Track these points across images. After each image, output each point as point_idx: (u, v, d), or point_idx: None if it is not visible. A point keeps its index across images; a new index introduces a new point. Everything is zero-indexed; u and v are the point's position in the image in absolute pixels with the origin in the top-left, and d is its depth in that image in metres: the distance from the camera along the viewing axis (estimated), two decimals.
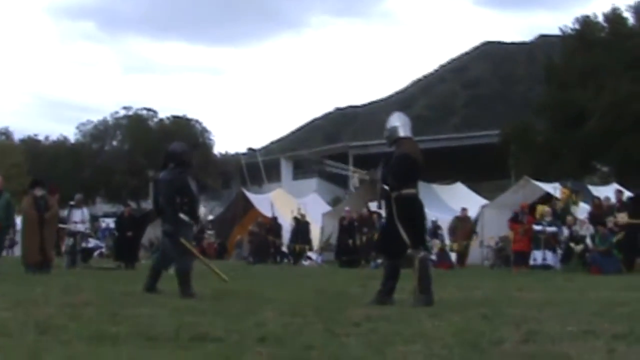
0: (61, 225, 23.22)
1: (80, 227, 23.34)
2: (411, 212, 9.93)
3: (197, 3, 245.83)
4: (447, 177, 40.33)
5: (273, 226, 32.80)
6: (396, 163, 10.05)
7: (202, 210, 11.89)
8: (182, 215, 11.18)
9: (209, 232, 40.11)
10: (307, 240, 31.32)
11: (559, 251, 24.26)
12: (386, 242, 10.38)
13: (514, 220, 25.40)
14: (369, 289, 11.80)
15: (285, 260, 31.86)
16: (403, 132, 10.29)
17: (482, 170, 49.89)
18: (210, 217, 43.61)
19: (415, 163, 10.14)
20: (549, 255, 24.02)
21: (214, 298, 10.40)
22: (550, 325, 7.38)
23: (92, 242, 24.54)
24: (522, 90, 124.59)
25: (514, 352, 5.98)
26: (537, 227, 24.36)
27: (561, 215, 24.96)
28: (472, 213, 30.13)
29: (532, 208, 26.09)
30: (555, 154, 39.39)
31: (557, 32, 48.58)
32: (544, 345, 6.24)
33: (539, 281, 16.54)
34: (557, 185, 27.20)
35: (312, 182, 62.36)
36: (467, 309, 9.15)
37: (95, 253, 24.17)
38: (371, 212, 29.50)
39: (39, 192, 18.75)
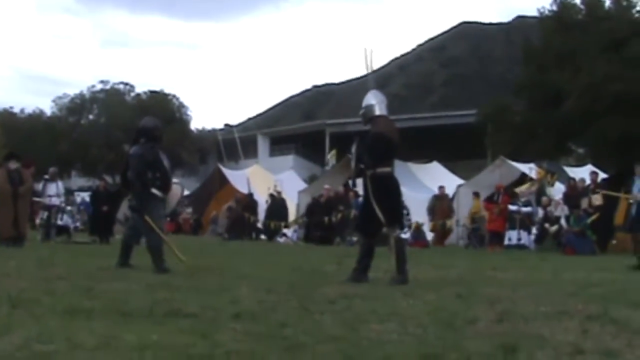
0: (36, 199, 23.10)
1: (55, 201, 23.22)
2: (386, 190, 9.93)
3: None
4: (424, 156, 40.43)
5: (249, 202, 32.77)
6: (371, 142, 10.04)
7: (175, 187, 11.82)
8: (154, 190, 11.16)
9: (187, 209, 40.13)
10: (283, 217, 31.31)
11: (534, 231, 24.40)
12: (363, 220, 10.38)
13: (490, 200, 25.52)
14: (344, 267, 11.82)
15: (261, 237, 31.84)
16: (379, 111, 10.27)
17: (458, 149, 50.09)
18: (187, 193, 43.59)
19: (391, 142, 10.13)
20: (524, 235, 24.16)
21: (188, 274, 10.37)
22: (524, 305, 7.42)
23: (65, 219, 24.32)
24: (499, 71, 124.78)
25: (488, 331, 5.99)
26: (512, 207, 24.48)
27: (536, 196, 25.10)
28: (448, 192, 30.23)
29: (508, 189, 26.18)
30: (532, 134, 39.42)
31: (535, 13, 48.53)
32: (518, 325, 6.27)
33: (513, 261, 16.63)
34: (532, 165, 27.30)
35: (289, 159, 62.37)
36: (441, 288, 9.18)
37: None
38: (347, 190, 29.56)
39: (13, 165, 18.61)
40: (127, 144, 12.31)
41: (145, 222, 11.08)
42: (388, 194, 9.95)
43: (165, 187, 11.39)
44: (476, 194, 27.97)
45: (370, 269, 10.14)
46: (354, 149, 10.39)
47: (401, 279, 9.72)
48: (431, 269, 12.92)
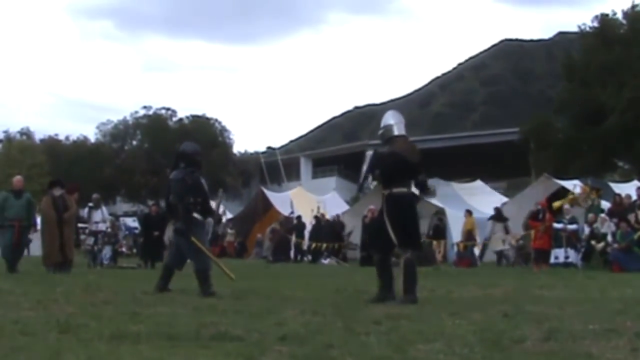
0: (81, 225, 23.30)
1: (102, 227, 23.43)
2: (401, 211, 9.92)
3: (215, 1, 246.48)
4: (467, 175, 40.25)
5: (295, 225, 32.77)
6: (385, 161, 10.10)
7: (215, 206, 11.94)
8: (195, 215, 11.23)
9: (229, 230, 40.22)
10: (329, 239, 31.16)
11: (581, 249, 24.11)
12: (376, 238, 10.42)
13: (534, 218, 25.29)
14: None
15: (305, 259, 31.82)
16: (397, 131, 10.24)
17: (501, 168, 49.77)
18: (230, 216, 43.71)
19: (407, 162, 10.08)
20: (571, 252, 23.86)
21: (234, 297, 10.39)
22: (572, 323, 7.34)
23: (106, 249, 24.42)
24: (541, 88, 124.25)
25: (536, 350, 5.94)
26: (557, 225, 24.22)
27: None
28: (492, 211, 30.04)
29: (548, 202, 25.92)
30: (576, 151, 39.21)
31: (576, 29, 48.32)
32: (566, 344, 6.20)
33: (560, 279, 16.44)
34: (577, 182, 27.05)
35: (331, 181, 62.33)
36: (487, 307, 9.11)
37: (104, 254, 24.03)
38: None
39: (57, 192, 18.81)
40: (169, 169, 12.50)
41: (191, 246, 11.13)
42: (402, 215, 9.92)
43: (206, 211, 11.44)
44: (469, 212, 28.31)
45: (394, 286, 10.10)
46: (365, 166, 10.43)
47: (409, 298, 9.68)
48: (476, 288, 12.82)
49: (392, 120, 10.33)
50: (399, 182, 9.97)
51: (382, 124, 10.42)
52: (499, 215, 28.62)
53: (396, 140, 10.19)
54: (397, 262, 10.10)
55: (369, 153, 10.46)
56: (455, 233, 28.53)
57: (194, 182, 11.35)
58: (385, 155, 10.09)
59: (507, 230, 28.57)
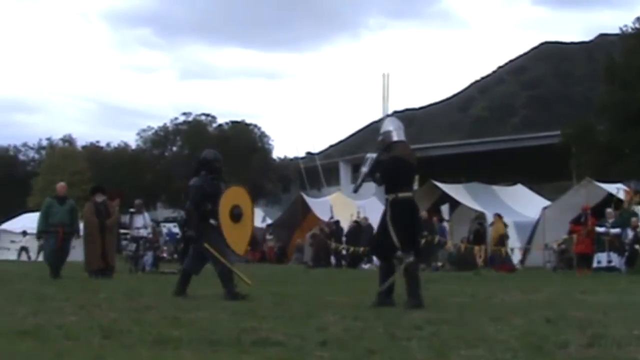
0: (123, 231, 23.47)
1: (143, 233, 23.57)
2: (405, 215, 9.99)
3: (252, 7, 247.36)
4: (507, 179, 40.01)
5: (335, 230, 32.74)
6: (387, 166, 10.15)
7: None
8: (212, 221, 11.35)
9: (268, 236, 40.31)
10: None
11: (625, 253, 23.84)
12: (378, 243, 10.45)
13: (576, 222, 25.09)
14: (429, 292, 11.73)
15: (343, 264, 31.76)
16: (397, 137, 10.33)
17: (542, 171, 49.39)
18: (269, 222, 43.77)
19: (409, 166, 10.23)
20: (614, 256, 23.61)
21: (275, 302, 10.41)
22: (616, 329, 7.26)
23: (148, 255, 24.48)
24: (582, 90, 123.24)
25: (579, 356, 5.89)
26: (600, 229, 23.99)
27: (625, 217, 24.52)
28: (533, 215, 29.86)
29: (593, 209, 25.68)
30: (618, 154, 38.79)
31: (617, 31, 47.89)
32: (610, 350, 6.14)
33: (603, 284, 16.31)
34: (620, 185, 26.80)
35: (371, 186, 62.14)
36: (529, 312, 9.05)
37: (146, 260, 24.09)
38: (431, 215, 29.46)
39: (99, 198, 19.01)
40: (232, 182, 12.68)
41: (208, 251, 11.29)
42: (406, 219, 9.99)
43: None
44: (499, 216, 28.26)
45: (394, 292, 10.11)
46: (365, 168, 10.50)
47: (415, 302, 9.66)
48: (518, 293, 12.74)
49: (392, 126, 10.45)
50: (404, 187, 10.10)
51: (381, 130, 10.55)
52: None
53: (396, 146, 10.28)
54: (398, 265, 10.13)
55: (370, 155, 10.56)
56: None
57: (213, 189, 11.44)
58: (388, 160, 10.16)
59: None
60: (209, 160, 11.86)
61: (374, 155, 10.49)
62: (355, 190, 12.21)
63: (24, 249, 39.51)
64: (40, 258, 26.12)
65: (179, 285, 11.66)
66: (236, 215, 11.47)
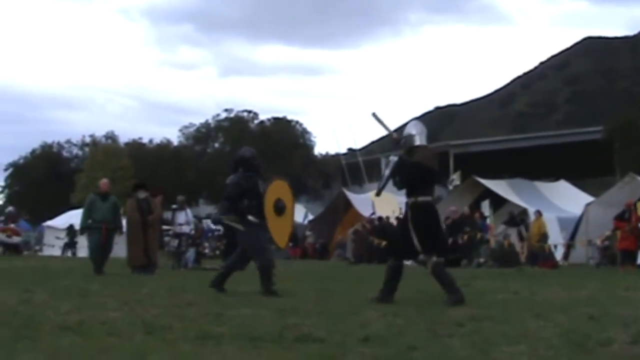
0: (165, 227, 23.61)
1: (186, 229, 23.68)
2: (426, 218, 10.05)
3: (293, 4, 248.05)
4: (550, 175, 39.75)
5: (378, 226, 32.67)
6: (408, 171, 10.21)
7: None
8: (250, 217, 11.38)
9: (308, 232, 40.38)
10: None
11: None
12: (398, 244, 10.48)
13: (620, 218, 24.82)
14: (471, 289, 11.70)
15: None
16: (419, 141, 10.39)
17: (586, 167, 49.00)
18: (311, 218, 43.83)
19: (430, 171, 10.29)
20: None
21: (317, 299, 10.43)
22: None
23: (190, 251, 24.57)
24: (625, 85, 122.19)
25: (624, 353, 5.84)
26: None
27: None
28: (576, 211, 29.61)
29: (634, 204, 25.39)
30: None
31: None
32: None
33: None
34: None
35: None
36: (572, 309, 8.99)
37: (189, 257, 24.18)
38: (473, 211, 29.34)
39: (141, 194, 19.15)
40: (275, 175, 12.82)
41: (253, 244, 11.45)
42: (427, 223, 10.04)
43: (262, 213, 11.53)
44: (539, 213, 28.07)
45: (395, 292, 10.12)
46: (387, 171, 10.57)
47: (454, 298, 9.67)
48: (561, 290, 12.65)
49: (414, 131, 10.51)
50: (424, 191, 10.16)
51: (404, 133, 10.56)
52: (511, 220, 28.75)
53: (418, 150, 10.34)
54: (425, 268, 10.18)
55: (393, 158, 10.61)
56: None
57: (249, 185, 11.49)
58: (409, 164, 10.23)
59: (521, 236, 28.29)
60: (246, 158, 11.93)
61: (395, 158, 10.54)
62: (378, 193, 12.35)
63: (68, 245, 39.90)
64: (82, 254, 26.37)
65: (218, 277, 11.71)
66: (280, 208, 11.54)
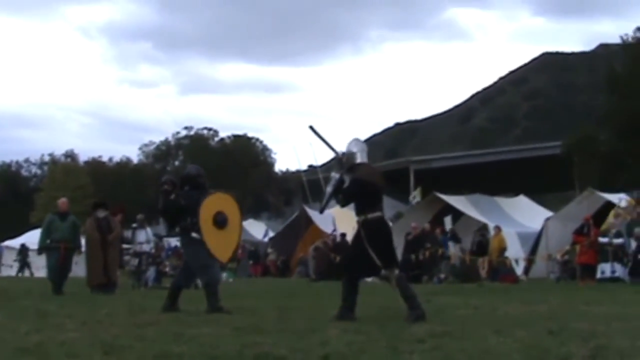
0: (125, 246, 23.45)
1: (146, 248, 23.54)
2: (379, 234, 10.05)
3: (253, 21, 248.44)
4: (510, 190, 40.02)
5: (339, 243, 32.66)
6: (349, 188, 10.26)
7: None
8: (194, 234, 11.38)
9: (269, 250, 40.33)
10: None
11: (628, 264, 23.76)
12: (353, 261, 10.45)
13: (579, 232, 25.03)
14: (432, 305, 11.72)
15: None
16: (360, 159, 10.42)
17: (545, 182, 49.43)
18: (271, 235, 43.78)
19: (372, 187, 10.28)
20: (618, 267, 23.51)
21: (277, 316, 10.40)
22: (620, 341, 7.24)
23: (151, 270, 24.43)
24: (583, 100, 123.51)
25: None
26: (603, 240, 23.91)
27: (629, 228, 24.45)
28: (536, 225, 29.82)
29: (595, 218, 25.63)
30: (620, 164, 38.81)
31: (618, 40, 47.90)
32: None
33: (606, 295, 16.26)
34: (622, 196, 26.74)
35: None
36: (532, 324, 9.03)
37: (149, 275, 24.05)
38: (434, 227, 29.46)
39: (101, 213, 19.02)
40: (212, 189, 12.67)
41: (197, 261, 11.45)
42: (381, 238, 10.04)
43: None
44: (498, 228, 28.31)
45: (356, 306, 10.10)
46: (329, 188, 10.62)
47: (415, 314, 9.66)
48: (521, 305, 12.71)
49: (355, 149, 10.52)
50: (372, 207, 10.14)
51: (345, 151, 10.56)
52: (453, 237, 29.42)
53: (359, 168, 10.35)
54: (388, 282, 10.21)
55: (334, 175, 10.64)
56: None
57: (189, 203, 11.44)
58: (352, 182, 10.26)
59: (462, 251, 28.65)
60: (192, 175, 11.93)
61: (337, 175, 10.55)
62: (322, 211, 12.42)
63: (21, 265, 39.66)
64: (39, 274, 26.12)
65: (168, 299, 11.66)
66: (220, 221, 11.43)
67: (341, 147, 10.51)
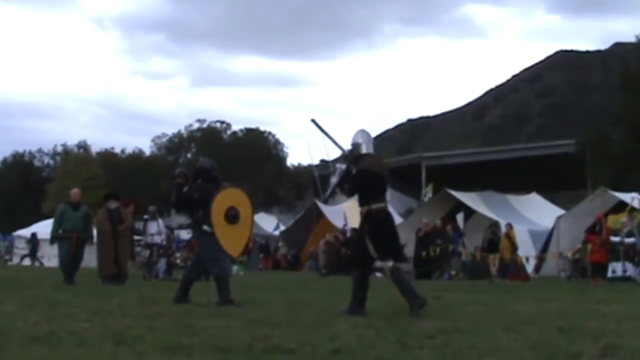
0: (137, 237, 23.49)
1: (157, 239, 23.57)
2: (380, 225, 10.06)
3: (267, 15, 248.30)
4: (522, 188, 39.90)
5: (350, 238, 32.63)
6: (355, 179, 10.29)
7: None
8: (205, 227, 11.43)
9: (280, 243, 40.32)
10: None
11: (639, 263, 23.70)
12: (356, 253, 10.51)
13: (591, 231, 24.97)
14: (442, 301, 11.72)
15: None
16: (366, 149, 10.44)
17: (557, 180, 49.25)
18: (283, 228, 43.79)
19: (379, 178, 10.29)
20: (629, 266, 23.46)
21: (288, 310, 10.41)
22: (630, 340, 7.23)
23: (162, 262, 24.47)
24: (597, 99, 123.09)
25: None
26: (614, 239, 23.86)
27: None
28: (548, 223, 29.76)
29: (605, 216, 25.57)
30: (633, 163, 38.61)
31: (632, 39, 47.69)
32: None
33: (617, 293, 16.22)
34: (635, 195, 26.64)
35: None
36: (543, 321, 9.02)
37: (160, 267, 24.10)
38: (445, 223, 29.42)
39: (112, 205, 19.05)
40: (225, 182, 12.75)
41: (208, 254, 11.51)
42: (382, 229, 10.06)
43: None
44: (510, 225, 28.37)
45: (366, 301, 10.12)
46: (334, 179, 10.66)
47: (417, 304, 9.69)
48: (531, 303, 12.69)
49: (361, 139, 10.53)
50: (377, 198, 10.15)
51: (350, 142, 10.59)
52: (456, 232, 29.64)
53: (365, 158, 10.36)
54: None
55: (339, 166, 10.70)
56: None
57: (203, 195, 11.47)
58: (356, 173, 10.29)
59: (463, 245, 28.73)
60: (205, 168, 11.94)
61: (343, 166, 10.58)
62: (326, 201, 12.40)
63: (29, 254, 39.82)
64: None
65: (179, 291, 11.70)
66: (231, 216, 11.44)
67: (347, 141, 10.51)
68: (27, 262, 39.46)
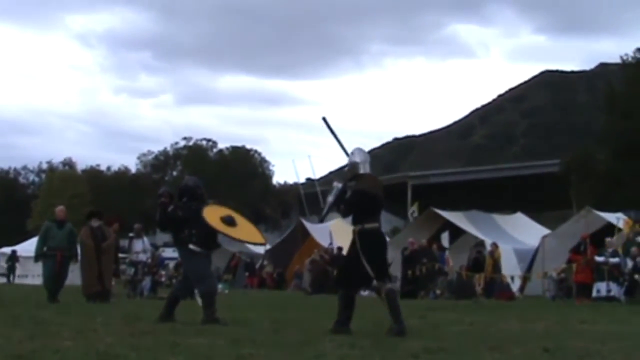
0: (122, 255, 23.40)
1: (142, 257, 23.50)
2: (374, 245, 10.03)
3: (253, 33, 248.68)
4: (507, 207, 40.00)
5: (336, 256, 32.60)
6: (351, 199, 10.23)
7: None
8: (191, 246, 11.37)
9: (265, 262, 40.24)
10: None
11: (624, 283, 23.76)
12: (346, 273, 10.42)
13: (576, 251, 25.02)
14: (427, 320, 11.71)
15: None
16: (363, 169, 10.42)
17: (543, 200, 49.41)
18: (268, 247, 43.71)
19: (374, 198, 10.25)
20: (614, 286, 23.52)
21: (273, 329, 10.38)
22: (614, 359, 7.23)
23: (147, 280, 24.39)
24: (582, 119, 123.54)
25: None
26: (599, 259, 23.92)
27: (625, 247, 24.47)
28: (533, 243, 29.81)
29: (593, 238, 25.60)
30: (618, 183, 38.80)
31: (618, 60, 48.00)
32: None
33: (602, 313, 16.24)
34: (620, 215, 26.72)
35: None
36: (528, 341, 9.02)
37: (145, 285, 24.01)
38: (431, 243, 29.42)
39: (95, 223, 18.94)
40: (210, 199, 12.77)
41: (195, 271, 11.43)
42: (376, 249, 10.03)
43: (205, 242, 11.49)
44: (495, 245, 28.25)
45: (351, 321, 10.07)
46: (331, 198, 10.59)
47: (399, 328, 9.68)
48: (517, 322, 12.70)
49: (358, 159, 10.51)
50: (370, 218, 10.13)
51: (347, 162, 10.59)
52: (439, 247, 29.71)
53: (362, 178, 10.35)
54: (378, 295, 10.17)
55: (336, 184, 10.62)
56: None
57: (188, 214, 11.43)
58: (354, 193, 10.24)
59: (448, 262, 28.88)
60: (190, 187, 11.92)
61: (339, 185, 10.54)
62: (322, 220, 12.39)
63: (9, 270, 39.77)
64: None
65: (164, 309, 11.65)
66: (229, 222, 11.42)
67: (349, 148, 10.50)
68: (3, 280, 39.34)
